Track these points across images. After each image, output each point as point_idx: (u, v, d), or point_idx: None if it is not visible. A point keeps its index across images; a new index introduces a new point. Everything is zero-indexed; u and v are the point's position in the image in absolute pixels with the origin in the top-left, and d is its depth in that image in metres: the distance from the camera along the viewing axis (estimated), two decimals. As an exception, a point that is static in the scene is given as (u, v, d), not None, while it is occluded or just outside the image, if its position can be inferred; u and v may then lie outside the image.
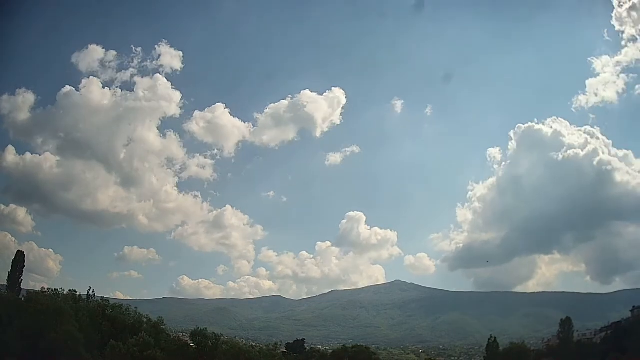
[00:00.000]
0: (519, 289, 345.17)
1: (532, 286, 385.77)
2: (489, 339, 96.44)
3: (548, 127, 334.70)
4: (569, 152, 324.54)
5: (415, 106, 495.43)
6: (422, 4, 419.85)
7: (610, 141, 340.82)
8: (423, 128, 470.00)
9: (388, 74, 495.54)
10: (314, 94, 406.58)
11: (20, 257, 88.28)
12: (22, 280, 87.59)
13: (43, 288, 77.76)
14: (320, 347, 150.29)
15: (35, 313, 59.57)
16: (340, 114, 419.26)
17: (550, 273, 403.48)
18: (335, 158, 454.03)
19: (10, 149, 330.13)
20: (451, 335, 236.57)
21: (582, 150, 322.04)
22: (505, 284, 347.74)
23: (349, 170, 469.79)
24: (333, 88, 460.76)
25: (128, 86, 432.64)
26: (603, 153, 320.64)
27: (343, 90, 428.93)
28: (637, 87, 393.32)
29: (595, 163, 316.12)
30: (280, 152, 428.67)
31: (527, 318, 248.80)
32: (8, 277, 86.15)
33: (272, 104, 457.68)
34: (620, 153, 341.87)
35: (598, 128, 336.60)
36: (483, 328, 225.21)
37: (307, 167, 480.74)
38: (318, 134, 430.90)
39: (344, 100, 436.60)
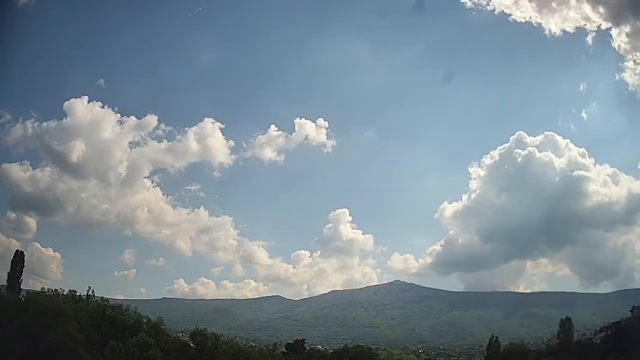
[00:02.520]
0: (518, 289, 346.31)
1: (526, 288, 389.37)
2: (490, 339, 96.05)
3: (523, 145, 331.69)
4: (541, 165, 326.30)
5: (393, 130, 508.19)
6: (422, 4, 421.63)
7: (583, 151, 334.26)
8: (404, 147, 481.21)
9: (365, 104, 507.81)
10: (307, 121, 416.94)
11: (19, 257, 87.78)
12: (21, 280, 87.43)
13: (43, 288, 77.87)
14: (320, 347, 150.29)
15: (35, 313, 59.48)
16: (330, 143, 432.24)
17: (541, 278, 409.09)
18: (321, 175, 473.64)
19: (17, 165, 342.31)
20: (451, 335, 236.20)
21: (555, 164, 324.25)
22: (500, 286, 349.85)
23: (335, 186, 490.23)
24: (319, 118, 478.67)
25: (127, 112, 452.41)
26: (576, 165, 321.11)
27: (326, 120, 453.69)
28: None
29: (569, 175, 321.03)
30: (270, 169, 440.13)
31: (527, 318, 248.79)
32: (8, 277, 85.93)
33: (262, 134, 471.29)
34: (594, 165, 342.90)
35: (572, 143, 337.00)
36: (483, 328, 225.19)
37: (295, 181, 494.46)
38: (308, 156, 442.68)
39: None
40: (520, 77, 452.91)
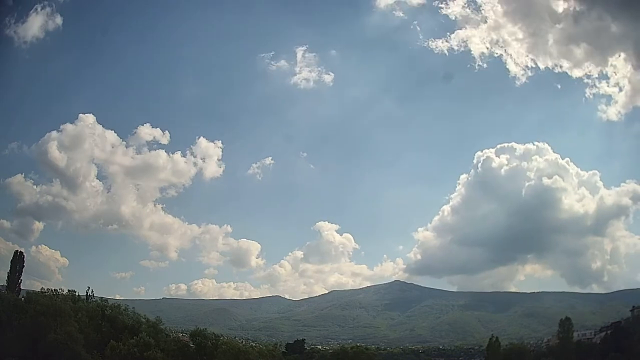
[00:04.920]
0: (518, 289, 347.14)
1: (524, 289, 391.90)
2: (490, 339, 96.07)
3: (499, 155, 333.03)
4: (518, 175, 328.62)
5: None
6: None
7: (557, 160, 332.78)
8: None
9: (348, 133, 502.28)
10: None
11: (18, 257, 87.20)
12: (21, 280, 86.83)
13: (43, 288, 77.59)
14: (320, 347, 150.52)
15: (35, 313, 59.38)
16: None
17: (537, 280, 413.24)
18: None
19: (20, 176, 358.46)
20: (451, 335, 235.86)
21: (531, 176, 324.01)
22: (498, 287, 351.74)
23: (325, 199, 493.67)
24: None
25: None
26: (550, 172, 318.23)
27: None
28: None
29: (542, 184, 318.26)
30: (265, 183, 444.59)
31: (526, 318, 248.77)
32: (7, 277, 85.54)
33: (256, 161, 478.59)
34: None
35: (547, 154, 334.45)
36: (483, 328, 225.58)
37: (289, 194, 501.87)
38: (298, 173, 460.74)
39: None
40: (490, 105, 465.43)
